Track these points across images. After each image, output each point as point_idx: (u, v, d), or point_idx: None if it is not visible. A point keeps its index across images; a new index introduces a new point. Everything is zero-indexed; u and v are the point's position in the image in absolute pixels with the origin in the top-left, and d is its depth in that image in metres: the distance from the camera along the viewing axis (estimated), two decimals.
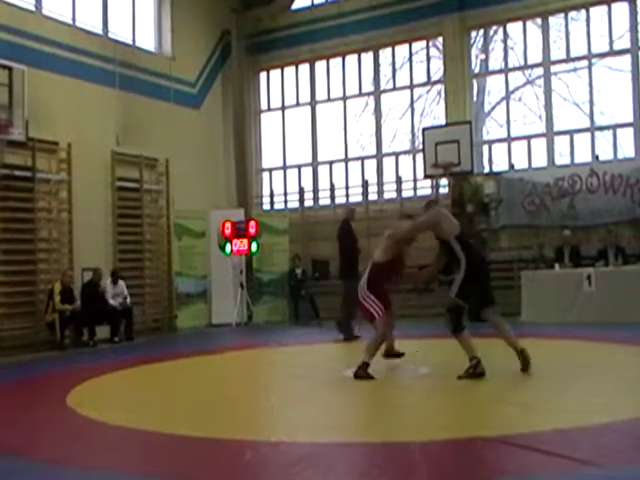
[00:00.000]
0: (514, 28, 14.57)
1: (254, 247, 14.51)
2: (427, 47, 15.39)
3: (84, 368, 8.85)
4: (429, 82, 15.40)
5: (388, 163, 15.70)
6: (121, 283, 12.41)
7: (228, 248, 14.34)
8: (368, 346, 7.00)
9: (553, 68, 14.20)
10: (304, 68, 16.65)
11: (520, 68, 14.62)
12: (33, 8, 12.23)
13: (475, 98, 15.03)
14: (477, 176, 14.07)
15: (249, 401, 6.36)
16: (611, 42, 13.62)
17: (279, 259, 15.33)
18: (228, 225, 14.32)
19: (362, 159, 16.03)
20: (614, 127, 13.57)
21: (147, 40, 14.91)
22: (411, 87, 15.57)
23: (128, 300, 12.35)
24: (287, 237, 15.43)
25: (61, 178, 12.20)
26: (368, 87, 16.03)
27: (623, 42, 13.54)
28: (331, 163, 16.31)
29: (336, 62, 16.31)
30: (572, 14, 14.02)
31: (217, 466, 4.14)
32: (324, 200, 15.99)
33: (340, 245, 10.65)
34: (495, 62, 14.93)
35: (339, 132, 16.23)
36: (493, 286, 6.95)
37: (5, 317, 11.19)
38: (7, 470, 4.25)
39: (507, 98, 14.71)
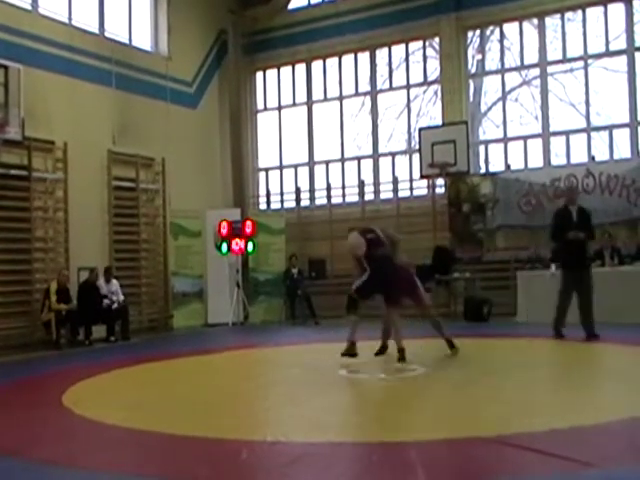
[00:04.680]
0: (510, 28, 14.59)
1: (250, 247, 14.51)
2: (424, 47, 15.39)
3: (80, 368, 8.83)
4: (426, 82, 15.41)
5: (384, 163, 15.71)
6: (114, 282, 12.38)
7: (224, 248, 14.33)
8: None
9: (549, 69, 14.22)
10: (301, 68, 16.64)
11: (516, 68, 14.64)
12: (29, 7, 12.20)
13: (471, 98, 15.04)
14: (473, 176, 14.09)
15: (245, 400, 6.35)
16: (607, 43, 13.64)
17: (275, 259, 15.32)
18: (224, 225, 14.31)
19: (358, 159, 16.03)
20: (610, 128, 13.59)
21: (143, 39, 14.88)
22: (407, 87, 15.57)
23: (121, 299, 12.30)
24: (283, 237, 15.42)
25: (57, 177, 12.17)
26: (365, 87, 16.03)
27: (619, 43, 13.56)
28: (327, 163, 16.31)
29: (333, 62, 16.32)
30: (568, 15, 14.04)
31: (213, 465, 4.14)
32: (320, 200, 15.99)
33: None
34: (491, 62, 14.94)
35: (335, 132, 16.23)
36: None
37: (1, 316, 11.16)
38: (3, 470, 4.24)
39: (503, 98, 14.72)
